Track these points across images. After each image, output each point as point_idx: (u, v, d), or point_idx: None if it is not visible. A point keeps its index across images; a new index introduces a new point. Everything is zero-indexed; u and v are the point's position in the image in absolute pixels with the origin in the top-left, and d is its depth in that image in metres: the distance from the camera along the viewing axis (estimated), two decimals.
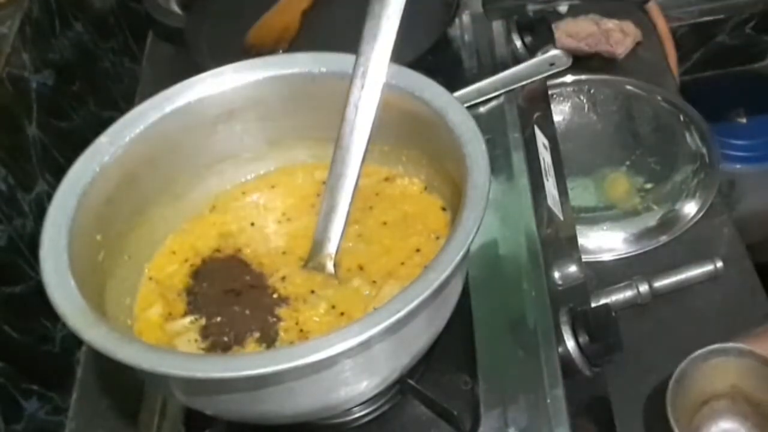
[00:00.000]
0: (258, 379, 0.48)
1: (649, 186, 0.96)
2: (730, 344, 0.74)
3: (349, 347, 0.46)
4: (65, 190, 0.56)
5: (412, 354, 0.55)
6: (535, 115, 0.82)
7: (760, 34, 1.42)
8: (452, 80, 0.76)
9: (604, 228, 0.93)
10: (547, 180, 0.77)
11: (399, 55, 0.64)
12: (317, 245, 0.60)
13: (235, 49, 0.85)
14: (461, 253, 0.50)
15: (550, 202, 0.75)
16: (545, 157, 0.78)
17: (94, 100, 0.89)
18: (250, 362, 0.47)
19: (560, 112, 1.04)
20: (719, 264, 0.86)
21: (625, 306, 0.85)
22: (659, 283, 0.86)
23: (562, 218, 0.76)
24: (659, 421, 0.72)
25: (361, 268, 0.61)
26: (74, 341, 0.77)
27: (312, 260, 0.61)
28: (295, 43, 0.87)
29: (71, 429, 0.75)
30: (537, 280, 0.66)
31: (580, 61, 1.03)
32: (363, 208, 0.64)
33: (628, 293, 0.85)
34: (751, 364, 0.74)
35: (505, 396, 0.61)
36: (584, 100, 1.05)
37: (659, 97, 1.05)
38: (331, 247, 0.60)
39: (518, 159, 0.75)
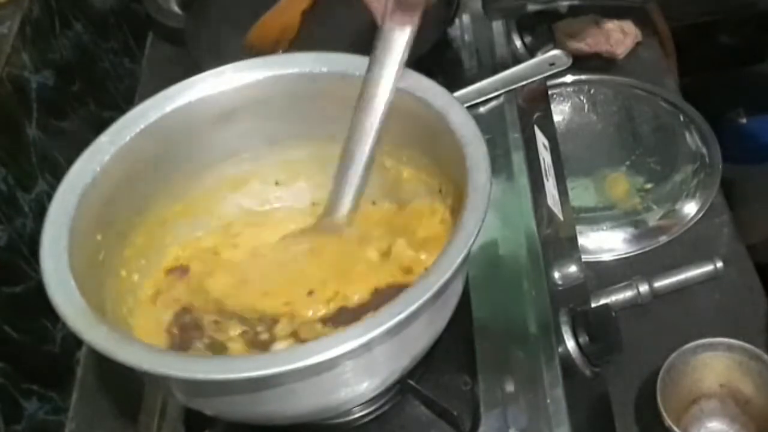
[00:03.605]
0: (258, 381, 0.48)
1: (649, 186, 0.96)
2: (719, 339, 0.74)
3: (349, 349, 0.46)
4: (65, 190, 0.56)
5: (413, 355, 0.55)
6: (535, 115, 0.82)
7: (760, 34, 1.42)
8: (452, 80, 0.76)
9: (604, 228, 0.92)
10: (547, 180, 0.77)
11: None
12: (331, 206, 0.62)
13: (235, 49, 0.85)
14: (462, 256, 0.49)
15: (550, 202, 0.75)
16: (545, 157, 0.78)
17: (94, 100, 0.89)
18: (250, 364, 0.47)
19: (560, 112, 1.03)
20: (719, 264, 0.86)
21: (625, 306, 0.85)
22: (659, 283, 0.85)
23: (562, 218, 0.76)
24: (653, 420, 0.72)
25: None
26: (74, 341, 0.77)
27: (326, 217, 0.63)
28: (295, 43, 0.87)
29: (71, 429, 0.75)
30: (537, 280, 0.66)
31: (580, 61, 1.02)
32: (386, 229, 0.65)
33: (628, 293, 0.85)
34: (740, 359, 0.74)
35: (505, 396, 0.61)
36: (584, 100, 1.05)
37: (659, 97, 1.05)
38: (344, 209, 0.62)
39: (518, 159, 0.75)
